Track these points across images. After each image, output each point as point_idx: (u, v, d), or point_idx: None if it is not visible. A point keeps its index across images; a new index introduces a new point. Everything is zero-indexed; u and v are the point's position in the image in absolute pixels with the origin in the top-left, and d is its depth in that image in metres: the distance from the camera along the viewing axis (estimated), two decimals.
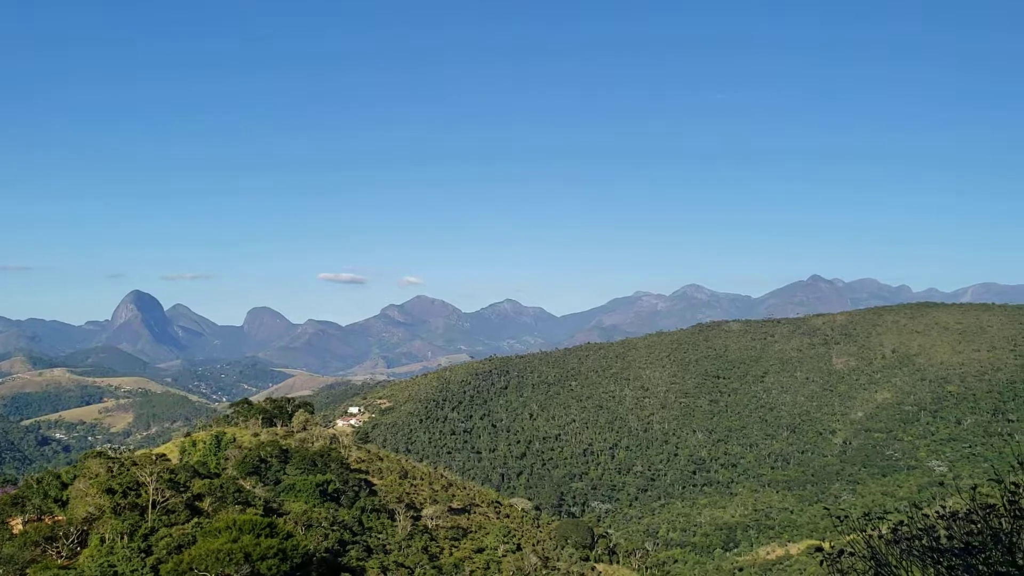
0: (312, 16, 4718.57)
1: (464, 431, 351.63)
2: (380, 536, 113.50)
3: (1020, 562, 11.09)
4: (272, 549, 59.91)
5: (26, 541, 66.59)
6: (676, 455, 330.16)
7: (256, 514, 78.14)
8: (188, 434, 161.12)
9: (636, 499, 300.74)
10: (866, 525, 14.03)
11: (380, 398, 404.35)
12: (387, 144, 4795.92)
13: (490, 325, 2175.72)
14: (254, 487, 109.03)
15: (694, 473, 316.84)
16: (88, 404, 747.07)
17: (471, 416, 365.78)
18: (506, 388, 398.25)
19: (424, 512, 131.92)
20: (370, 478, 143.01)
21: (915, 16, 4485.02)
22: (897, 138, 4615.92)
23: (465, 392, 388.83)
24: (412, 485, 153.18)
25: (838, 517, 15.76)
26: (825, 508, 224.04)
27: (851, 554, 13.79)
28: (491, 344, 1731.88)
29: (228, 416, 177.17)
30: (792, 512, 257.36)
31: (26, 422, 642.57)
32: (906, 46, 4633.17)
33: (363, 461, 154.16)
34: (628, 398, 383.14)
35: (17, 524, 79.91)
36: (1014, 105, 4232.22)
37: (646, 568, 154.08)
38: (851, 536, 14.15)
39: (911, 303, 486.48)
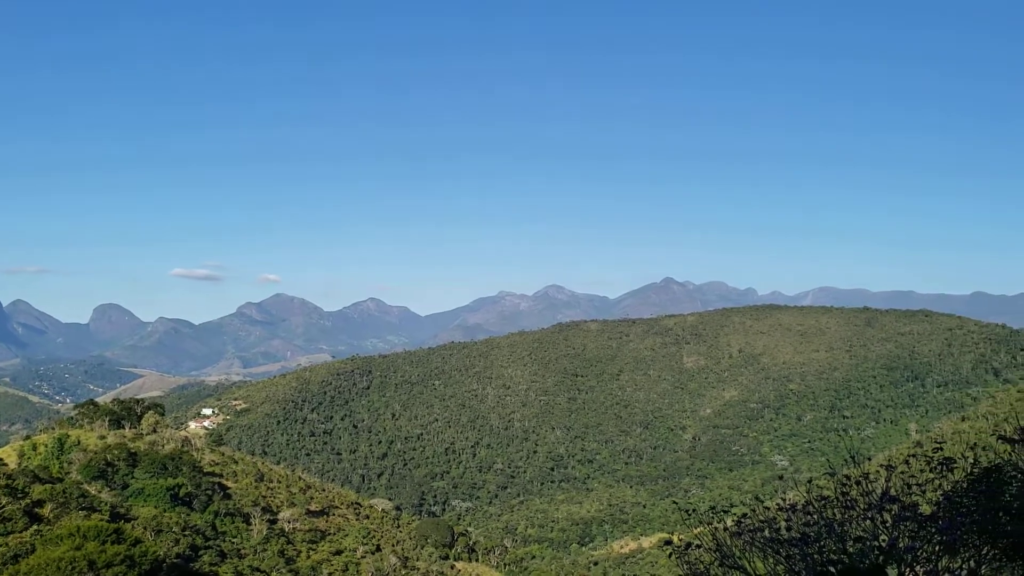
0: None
1: (324, 432, 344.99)
2: (235, 540, 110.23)
3: (850, 550, 11.77)
4: (119, 556, 57.14)
5: None
6: (535, 452, 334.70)
7: (102, 520, 74.44)
8: (28, 437, 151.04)
9: (496, 497, 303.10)
10: (712, 518, 14.41)
11: (235, 399, 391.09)
12: (245, 139, 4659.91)
13: (353, 324, 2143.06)
14: (100, 492, 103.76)
15: (552, 470, 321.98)
16: None
17: (331, 417, 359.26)
18: (368, 388, 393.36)
19: (281, 515, 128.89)
20: (224, 481, 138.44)
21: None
22: (738, 140, 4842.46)
23: (326, 392, 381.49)
24: (269, 488, 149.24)
25: (686, 511, 16.03)
26: (674, 502, 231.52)
27: (698, 546, 14.09)
28: (354, 344, 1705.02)
29: (72, 418, 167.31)
30: (644, 506, 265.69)
31: None
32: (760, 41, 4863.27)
33: (217, 464, 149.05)
34: (490, 396, 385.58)
35: None
36: (857, 100, 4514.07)
37: (504, 565, 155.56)
38: (699, 529, 14.56)
39: (757, 305, 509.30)
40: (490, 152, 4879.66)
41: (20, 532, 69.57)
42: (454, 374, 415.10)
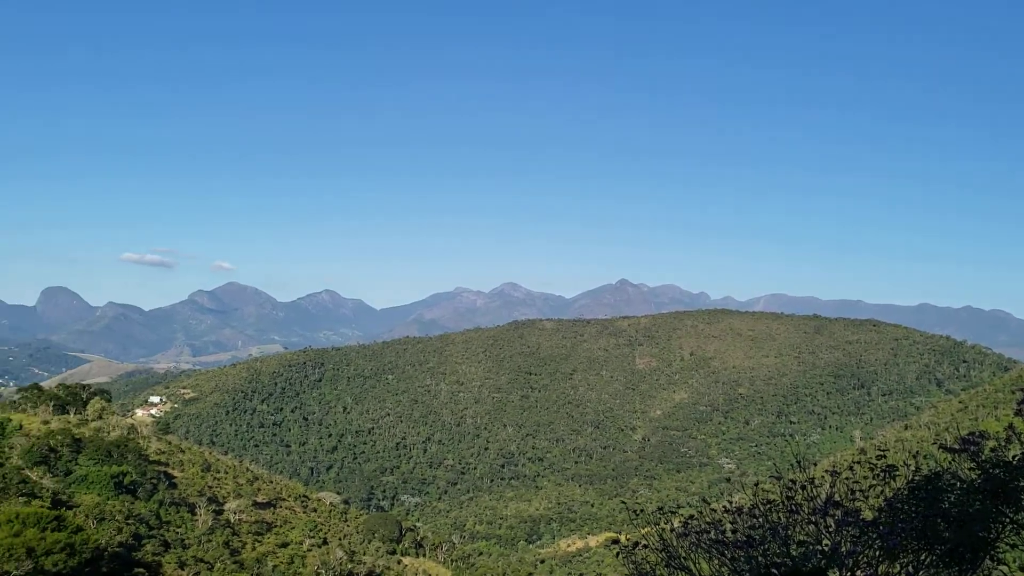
0: None
1: (273, 424, 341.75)
2: (179, 530, 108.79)
3: (794, 554, 11.97)
4: (59, 544, 56.09)
5: None
6: (487, 449, 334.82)
7: (43, 506, 73.01)
8: None
9: (446, 492, 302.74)
10: (659, 519, 14.54)
11: (184, 387, 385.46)
12: (200, 125, 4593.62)
13: (307, 316, 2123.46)
14: (42, 478, 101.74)
15: (503, 467, 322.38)
16: None
17: (282, 408, 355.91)
18: (320, 380, 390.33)
19: (227, 506, 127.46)
20: (170, 470, 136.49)
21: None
22: (691, 145, 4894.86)
23: (276, 384, 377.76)
24: (215, 478, 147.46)
25: (634, 511, 16.06)
26: (623, 502, 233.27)
27: (645, 546, 14.22)
28: (307, 335, 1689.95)
29: (15, 402, 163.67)
30: (593, 505, 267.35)
31: None
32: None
33: (163, 453, 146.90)
34: (443, 392, 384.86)
35: None
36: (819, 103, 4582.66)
37: (452, 561, 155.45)
38: (646, 529, 14.67)
39: (709, 309, 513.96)
40: (451, 146, 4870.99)
41: None
42: (408, 369, 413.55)
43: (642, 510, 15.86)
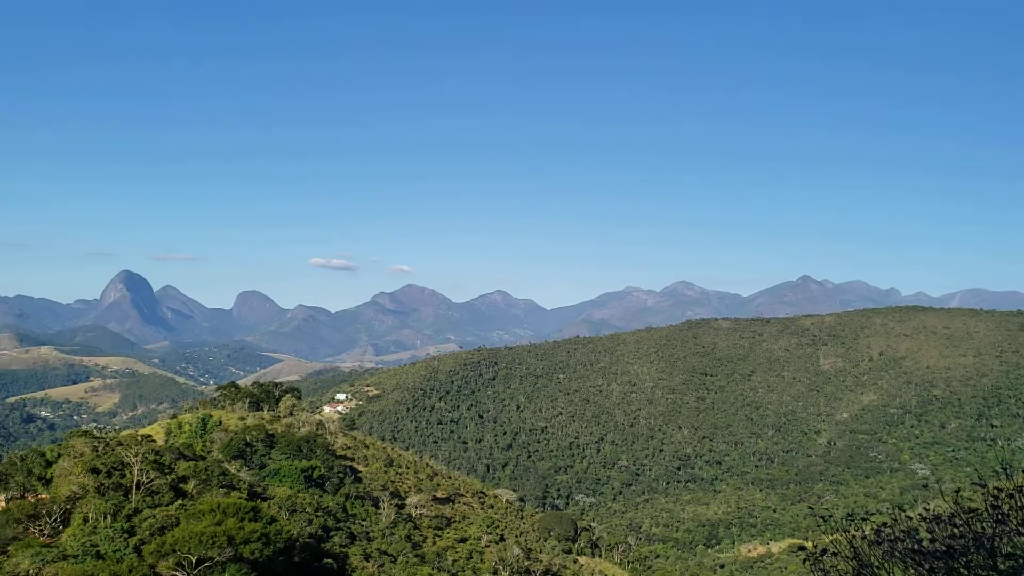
0: (300, 3, 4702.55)
1: (451, 421, 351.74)
2: (364, 523, 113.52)
3: (1001, 567, 11.15)
4: (255, 533, 59.71)
5: (8, 519, 66.17)
6: (661, 451, 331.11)
7: (240, 498, 78.03)
8: (174, 416, 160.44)
9: (620, 493, 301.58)
10: (849, 525, 14.02)
11: (368, 385, 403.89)
12: (381, 133, 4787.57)
13: (480, 316, 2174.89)
14: (239, 471, 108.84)
15: (679, 469, 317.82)
16: (75, 383, 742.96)
17: (458, 406, 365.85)
18: (494, 379, 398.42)
19: (408, 501, 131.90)
20: (355, 465, 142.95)
21: (900, 18, 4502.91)
22: (890, 142, 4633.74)
23: (453, 382, 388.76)
24: (397, 473, 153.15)
25: (821, 517, 15.59)
26: (809, 508, 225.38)
27: (834, 554, 13.76)
28: (480, 335, 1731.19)
29: (215, 399, 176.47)
30: (775, 511, 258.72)
31: (11, 399, 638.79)
32: (888, 48, 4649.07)
33: (349, 448, 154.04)
34: (615, 392, 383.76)
35: (0, 501, 79.60)
36: (1009, 110, 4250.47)
37: (628, 562, 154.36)
38: (834, 536, 14.13)
39: (900, 306, 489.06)
40: (623, 153, 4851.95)
41: (166, 505, 73.69)
42: (579, 368, 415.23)
43: (830, 516, 15.36)
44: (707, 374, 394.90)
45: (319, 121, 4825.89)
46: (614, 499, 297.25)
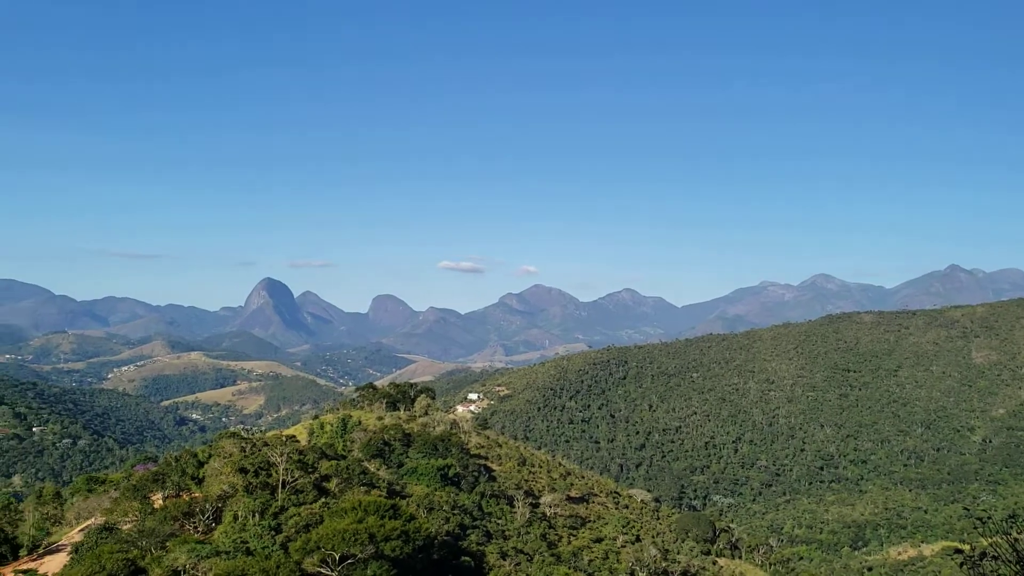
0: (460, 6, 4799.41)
1: (582, 420, 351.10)
2: (499, 522, 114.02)
3: None
4: (395, 531, 60.55)
5: (166, 516, 69.60)
6: (803, 450, 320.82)
7: (380, 496, 79.36)
8: (316, 417, 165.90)
9: (760, 494, 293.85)
10: (1011, 527, 13.14)
11: (498, 385, 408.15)
12: (508, 135, 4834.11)
13: (608, 315, 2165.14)
14: (378, 469, 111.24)
15: (821, 469, 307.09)
16: (222, 387, 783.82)
17: (589, 406, 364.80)
18: (624, 378, 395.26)
19: (542, 500, 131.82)
20: (489, 464, 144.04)
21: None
22: None
23: (583, 381, 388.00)
24: (530, 472, 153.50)
25: (979, 518, 14.79)
26: (964, 508, 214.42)
27: (994, 557, 12.80)
28: (609, 334, 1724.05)
29: (354, 400, 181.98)
30: (926, 512, 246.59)
31: (165, 403, 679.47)
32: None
33: (482, 447, 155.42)
34: (752, 391, 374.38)
35: (158, 499, 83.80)
36: None
37: (770, 564, 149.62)
38: (993, 538, 13.30)
39: None
40: (752, 148, 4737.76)
41: (311, 504, 75.82)
42: (713, 367, 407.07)
43: (989, 517, 14.58)
44: (850, 370, 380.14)
45: (449, 123, 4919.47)
46: (754, 500, 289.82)
